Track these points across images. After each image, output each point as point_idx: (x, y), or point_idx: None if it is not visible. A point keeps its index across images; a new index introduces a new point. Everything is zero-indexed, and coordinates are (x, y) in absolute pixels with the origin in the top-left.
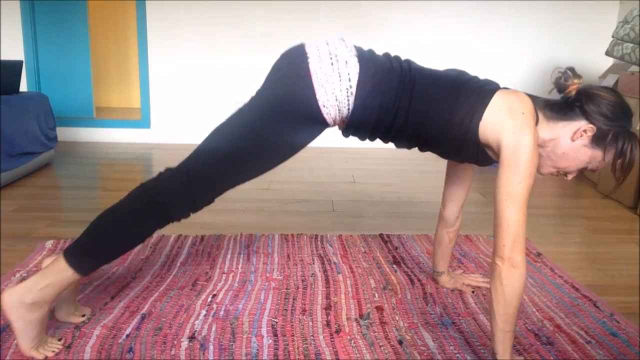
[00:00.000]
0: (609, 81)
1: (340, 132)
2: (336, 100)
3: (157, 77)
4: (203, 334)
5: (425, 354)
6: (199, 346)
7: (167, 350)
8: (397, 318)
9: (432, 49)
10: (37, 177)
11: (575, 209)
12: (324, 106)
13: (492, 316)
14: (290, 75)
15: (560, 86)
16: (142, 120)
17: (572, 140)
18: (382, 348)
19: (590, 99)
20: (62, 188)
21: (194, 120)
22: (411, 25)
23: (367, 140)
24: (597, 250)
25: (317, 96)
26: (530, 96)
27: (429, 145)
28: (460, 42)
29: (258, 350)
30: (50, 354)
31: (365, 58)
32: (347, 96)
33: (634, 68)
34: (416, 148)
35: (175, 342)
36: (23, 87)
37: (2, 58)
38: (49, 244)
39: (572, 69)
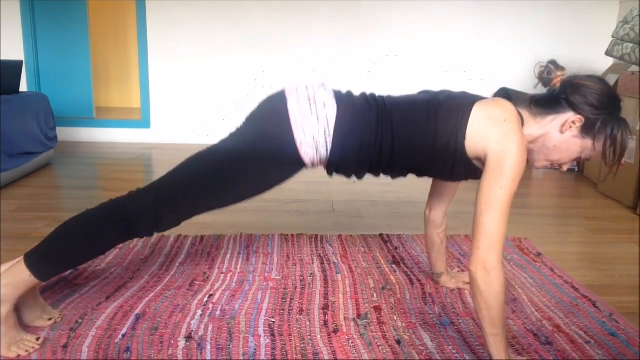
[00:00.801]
0: (609, 81)
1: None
2: (314, 140)
3: (157, 77)
4: (200, 334)
5: (423, 353)
6: (196, 346)
7: (164, 350)
8: (396, 318)
9: (432, 49)
10: (37, 177)
11: (575, 209)
12: (301, 145)
13: (480, 322)
14: (270, 115)
15: (544, 80)
16: (142, 120)
17: (562, 132)
18: (380, 348)
19: (576, 90)
20: (62, 188)
21: (194, 120)
22: (411, 26)
23: (354, 179)
24: (597, 250)
25: (295, 135)
26: (515, 93)
27: (423, 172)
28: (460, 42)
29: (255, 350)
30: (23, 353)
31: (343, 100)
32: (325, 137)
33: (634, 68)
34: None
35: (172, 342)
36: (23, 87)
37: (2, 58)
38: None
39: (553, 62)
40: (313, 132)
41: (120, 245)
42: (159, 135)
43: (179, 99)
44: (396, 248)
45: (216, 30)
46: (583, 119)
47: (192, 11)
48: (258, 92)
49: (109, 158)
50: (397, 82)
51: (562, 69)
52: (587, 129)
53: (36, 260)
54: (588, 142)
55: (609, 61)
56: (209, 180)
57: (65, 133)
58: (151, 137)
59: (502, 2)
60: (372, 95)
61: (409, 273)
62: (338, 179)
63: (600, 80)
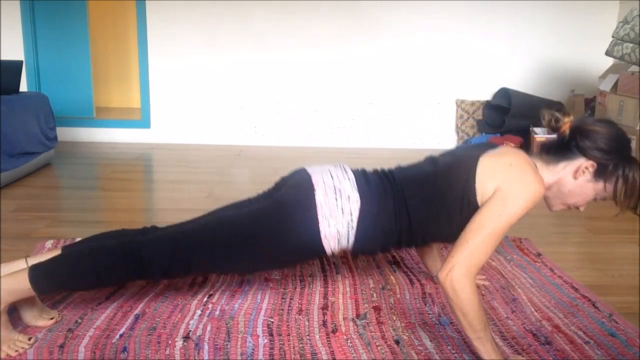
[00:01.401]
0: (609, 81)
1: (338, 133)
2: (337, 233)
3: (157, 77)
4: (198, 334)
5: (422, 353)
6: (193, 346)
7: (161, 349)
8: (395, 318)
9: (432, 49)
10: (37, 177)
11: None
12: (325, 238)
13: (461, 329)
14: (297, 204)
15: (552, 128)
16: (142, 120)
17: (575, 178)
18: (379, 348)
19: (585, 136)
20: (62, 188)
21: (194, 120)
22: (411, 25)
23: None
24: (597, 250)
25: (320, 228)
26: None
27: (443, 239)
28: (460, 42)
29: (253, 349)
30: (12, 353)
31: (364, 190)
32: (348, 230)
33: (634, 68)
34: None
35: (170, 341)
36: (23, 87)
37: (2, 58)
38: (49, 244)
39: (559, 109)
40: (337, 225)
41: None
42: (159, 135)
43: (179, 99)
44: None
45: (216, 30)
46: (595, 164)
47: (192, 11)
48: (258, 92)
49: (109, 158)
50: (397, 82)
51: (568, 114)
52: (599, 173)
53: (41, 277)
54: (601, 184)
55: (609, 61)
56: (227, 248)
57: (65, 133)
58: (151, 137)
59: (502, 3)
60: (383, 172)
61: (409, 273)
62: None
63: (608, 123)
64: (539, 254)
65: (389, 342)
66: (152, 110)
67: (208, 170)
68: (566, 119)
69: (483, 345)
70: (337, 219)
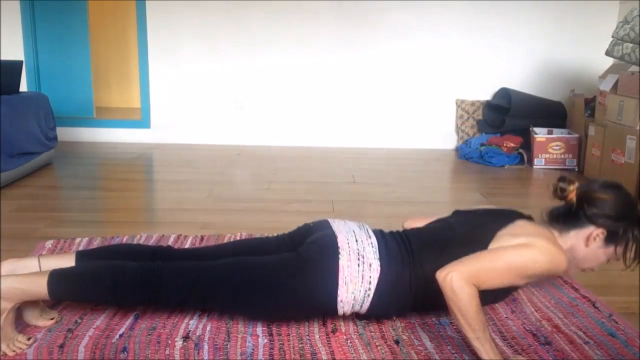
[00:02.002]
0: (609, 81)
1: (338, 133)
2: (354, 299)
3: (157, 77)
4: (198, 334)
5: (422, 353)
6: (193, 346)
7: (161, 349)
8: (394, 318)
9: (432, 49)
10: (37, 177)
11: None
12: (340, 302)
13: (460, 330)
14: (321, 265)
15: (559, 197)
16: (142, 120)
17: (587, 246)
18: (379, 348)
19: (592, 204)
20: (62, 188)
21: (194, 121)
22: (411, 26)
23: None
24: None
25: (339, 292)
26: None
27: None
28: (460, 42)
29: (253, 349)
30: (10, 353)
31: (384, 258)
32: (364, 297)
33: (634, 68)
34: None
35: (170, 341)
36: (23, 87)
37: (2, 58)
38: (49, 244)
39: (563, 178)
40: (355, 292)
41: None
42: (159, 135)
43: (179, 99)
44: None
45: (216, 31)
46: (605, 232)
47: (192, 11)
48: (258, 92)
49: (109, 158)
50: (397, 82)
51: (573, 182)
52: (610, 239)
53: (60, 285)
54: (612, 249)
55: (609, 61)
56: (245, 295)
57: (65, 133)
58: (151, 137)
59: (502, 2)
60: (401, 238)
61: None
62: (338, 179)
63: (614, 188)
64: None
65: (388, 342)
66: (152, 110)
67: (208, 170)
68: (572, 187)
69: (482, 345)
70: (356, 285)
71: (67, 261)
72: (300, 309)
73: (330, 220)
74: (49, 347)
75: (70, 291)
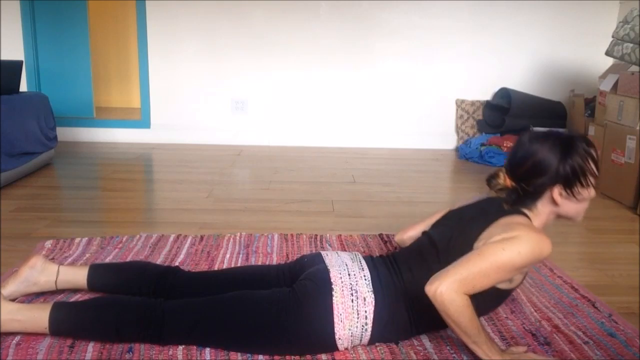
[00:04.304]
0: (609, 81)
1: (338, 133)
2: (351, 335)
3: (157, 77)
4: None
5: (421, 354)
6: (195, 347)
7: (165, 350)
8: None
9: (432, 49)
10: (37, 177)
11: None
12: (339, 339)
13: (457, 335)
14: (315, 302)
15: (502, 189)
16: (142, 120)
17: (558, 204)
18: (378, 348)
19: (526, 178)
20: (62, 188)
21: (194, 120)
22: (411, 26)
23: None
24: (597, 250)
25: (335, 329)
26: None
27: None
28: (460, 42)
29: None
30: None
31: (378, 290)
32: (362, 332)
33: (634, 68)
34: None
35: None
36: (23, 87)
37: (2, 58)
38: (49, 243)
39: (489, 176)
40: (352, 328)
41: (120, 245)
42: (159, 135)
43: (179, 99)
44: (395, 248)
45: (216, 30)
46: (560, 185)
47: (192, 11)
48: (259, 92)
49: (109, 158)
50: (397, 82)
51: (497, 172)
52: (568, 186)
53: (61, 321)
54: (577, 189)
55: (609, 61)
56: (245, 335)
57: (65, 133)
58: (151, 137)
59: (502, 2)
60: (390, 263)
61: None
62: (338, 179)
63: (526, 146)
64: None
65: (388, 343)
66: (152, 110)
67: (208, 170)
68: (501, 175)
69: (479, 347)
70: (352, 321)
71: (81, 272)
72: (299, 346)
73: (323, 254)
74: (59, 347)
75: (73, 328)
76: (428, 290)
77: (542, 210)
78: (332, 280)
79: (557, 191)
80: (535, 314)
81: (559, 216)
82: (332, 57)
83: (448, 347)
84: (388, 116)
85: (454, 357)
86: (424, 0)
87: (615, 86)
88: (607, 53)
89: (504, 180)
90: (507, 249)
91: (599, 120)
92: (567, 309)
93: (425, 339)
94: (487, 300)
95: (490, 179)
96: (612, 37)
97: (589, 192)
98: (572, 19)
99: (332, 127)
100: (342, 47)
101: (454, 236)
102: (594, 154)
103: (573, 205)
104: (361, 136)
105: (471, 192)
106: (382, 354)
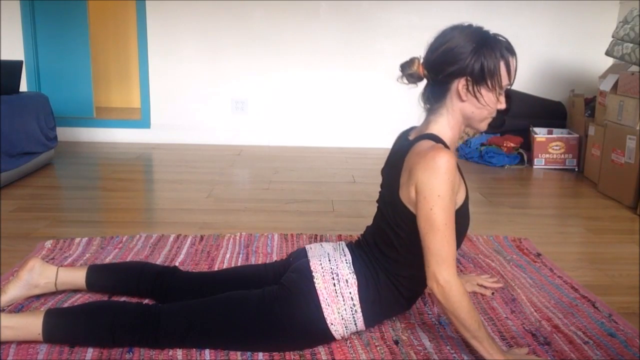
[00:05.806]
0: (609, 81)
1: (338, 133)
2: (342, 319)
3: (157, 77)
4: None
5: (421, 354)
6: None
7: (165, 350)
8: (394, 318)
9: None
10: (37, 177)
11: (575, 209)
12: (331, 324)
13: (457, 332)
14: (300, 290)
15: (413, 80)
16: (142, 120)
17: (464, 100)
18: (378, 348)
19: (437, 65)
20: (62, 188)
21: (194, 120)
22: (411, 25)
23: None
24: (597, 250)
25: (325, 315)
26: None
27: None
28: None
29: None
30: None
31: (359, 270)
32: (352, 315)
33: (634, 68)
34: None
35: None
36: (23, 87)
37: (2, 58)
38: (49, 244)
39: (404, 63)
40: (341, 311)
41: (120, 245)
42: (159, 135)
43: (179, 99)
44: None
45: (216, 30)
46: (466, 76)
47: (192, 11)
48: (258, 92)
49: (109, 158)
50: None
51: (413, 59)
52: (474, 82)
53: (55, 327)
54: (487, 84)
55: (609, 61)
56: (241, 334)
57: (65, 133)
58: (151, 137)
59: (502, 2)
60: (364, 241)
61: None
62: (338, 179)
63: (441, 36)
64: (538, 254)
65: (388, 343)
66: (152, 110)
67: (208, 170)
68: (415, 61)
69: (480, 343)
70: (339, 304)
71: (80, 273)
72: (296, 337)
73: (307, 247)
74: (59, 347)
75: (67, 334)
76: (432, 288)
77: (450, 108)
78: (312, 269)
79: (462, 83)
80: (535, 314)
81: (468, 118)
82: (332, 57)
83: (448, 347)
84: (388, 116)
85: (454, 357)
86: (424, 0)
87: (615, 86)
88: (607, 53)
89: (417, 67)
90: (434, 206)
91: (599, 120)
92: (567, 309)
93: (425, 340)
94: (459, 224)
95: (405, 65)
96: (612, 37)
97: (492, 98)
98: (572, 19)
99: (332, 127)
100: (342, 47)
101: (386, 194)
102: (510, 60)
103: (476, 108)
104: (361, 136)
105: (471, 192)
106: (382, 354)
